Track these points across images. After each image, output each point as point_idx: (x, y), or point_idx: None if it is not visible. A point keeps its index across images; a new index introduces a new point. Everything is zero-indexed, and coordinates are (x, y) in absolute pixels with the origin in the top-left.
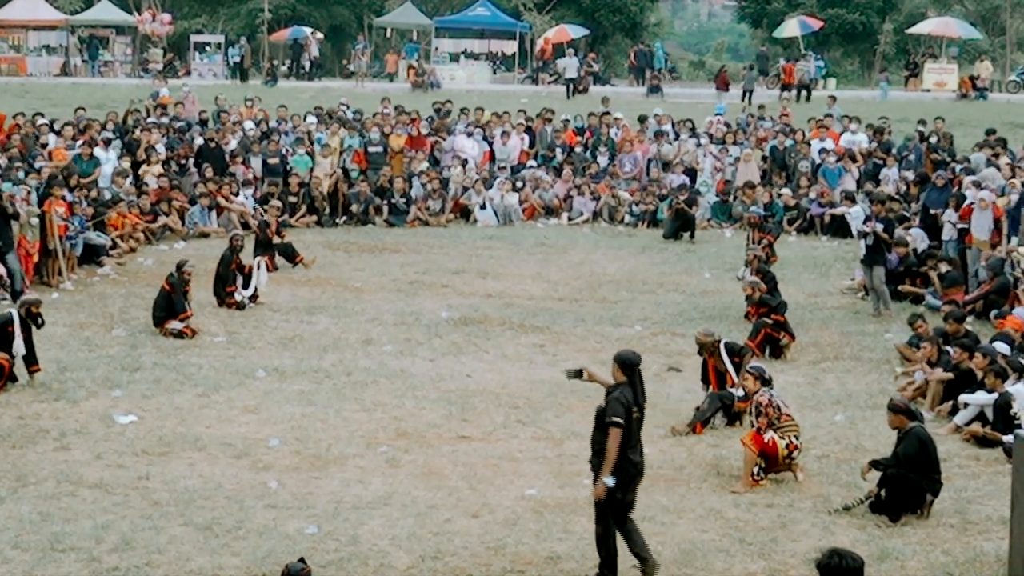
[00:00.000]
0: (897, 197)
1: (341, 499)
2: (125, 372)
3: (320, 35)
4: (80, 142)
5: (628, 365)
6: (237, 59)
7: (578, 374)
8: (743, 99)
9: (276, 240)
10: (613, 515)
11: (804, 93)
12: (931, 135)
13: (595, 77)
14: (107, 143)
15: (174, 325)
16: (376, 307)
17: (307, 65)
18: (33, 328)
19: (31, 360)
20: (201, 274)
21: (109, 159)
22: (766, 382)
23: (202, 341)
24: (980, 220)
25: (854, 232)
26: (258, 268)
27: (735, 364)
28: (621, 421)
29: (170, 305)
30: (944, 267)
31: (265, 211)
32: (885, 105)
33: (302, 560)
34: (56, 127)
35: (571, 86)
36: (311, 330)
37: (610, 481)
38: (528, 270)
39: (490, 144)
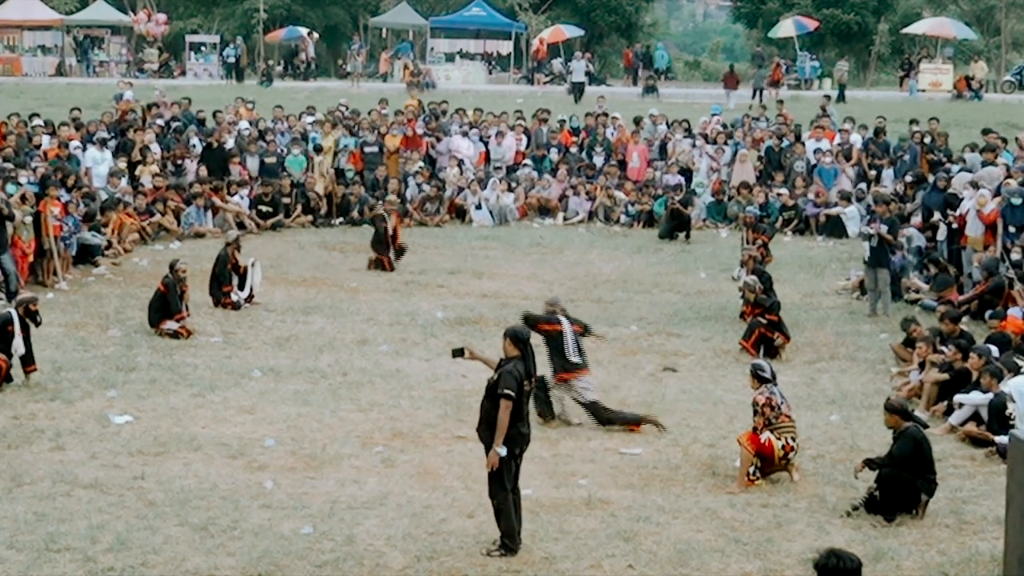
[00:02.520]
0: (893, 197)
1: (337, 499)
2: (120, 372)
3: (316, 35)
4: (57, 143)
5: (520, 339)
6: (233, 59)
7: (460, 353)
8: (753, 97)
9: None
10: (505, 483)
11: (840, 92)
12: (927, 135)
13: (591, 77)
14: (102, 143)
15: (170, 325)
16: (371, 307)
17: (302, 66)
18: (32, 328)
19: (28, 360)
20: (197, 274)
21: (104, 159)
22: (765, 380)
23: (198, 341)
24: (975, 220)
25: (849, 232)
26: (252, 267)
27: (577, 333)
28: (513, 394)
29: (165, 306)
30: (933, 268)
31: (381, 207)
32: (880, 106)
33: None
34: (49, 127)
35: (578, 89)
36: (307, 330)
37: (503, 451)
38: (524, 270)
39: (486, 144)
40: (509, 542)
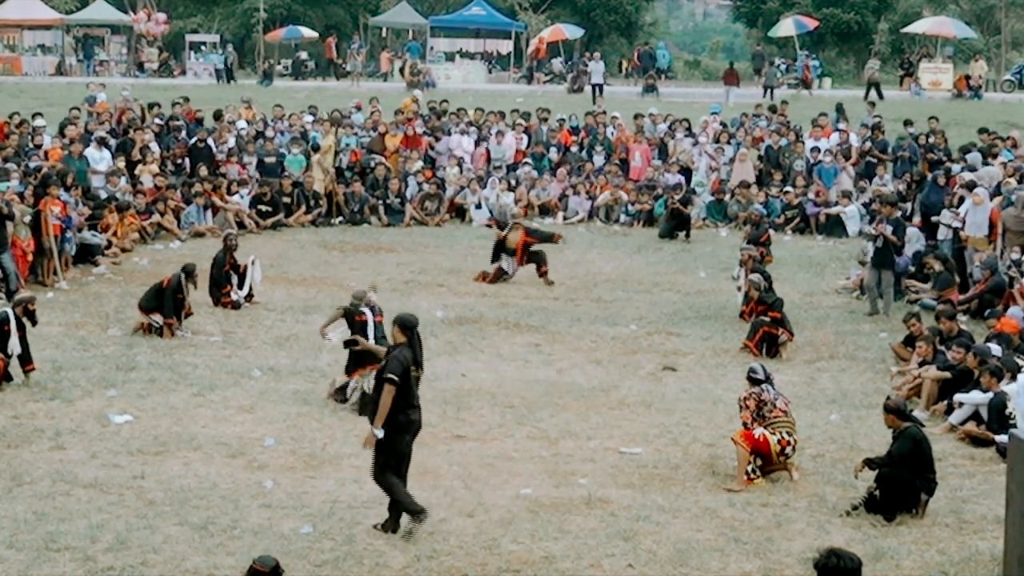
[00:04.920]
0: (897, 198)
1: (336, 498)
2: (120, 372)
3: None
4: (60, 143)
5: (408, 327)
6: (221, 66)
7: (353, 343)
8: (765, 95)
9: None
10: (388, 467)
11: (874, 90)
12: (929, 134)
13: (590, 77)
14: (101, 142)
15: (156, 318)
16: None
17: (306, 67)
18: (28, 327)
19: (26, 359)
20: (197, 273)
21: (103, 158)
22: (757, 382)
23: (197, 341)
24: (974, 219)
25: (849, 231)
26: (252, 265)
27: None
28: (396, 379)
29: (162, 303)
30: (938, 266)
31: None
32: (881, 104)
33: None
34: (49, 126)
35: (597, 91)
36: (306, 330)
37: (380, 433)
38: (523, 269)
39: (487, 143)
40: (416, 511)
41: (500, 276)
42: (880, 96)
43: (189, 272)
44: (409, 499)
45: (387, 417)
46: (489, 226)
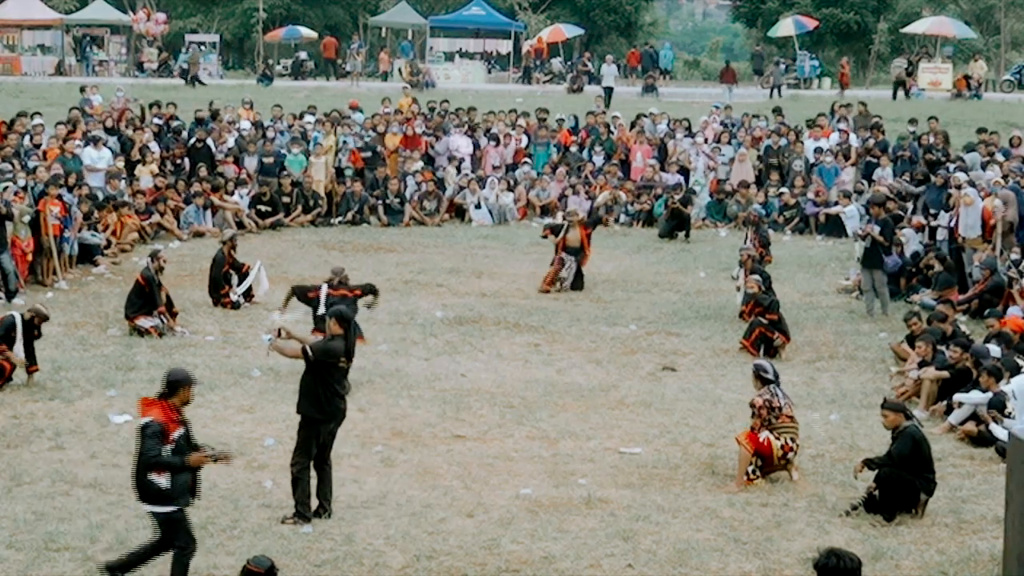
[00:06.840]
0: (892, 196)
1: (336, 498)
2: (120, 371)
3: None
4: (61, 139)
5: (345, 321)
6: (185, 66)
7: (277, 334)
8: (771, 94)
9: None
10: (309, 453)
11: (900, 89)
12: (929, 135)
13: (590, 77)
14: (97, 142)
15: (142, 322)
16: None
17: (302, 69)
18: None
19: (30, 360)
20: (196, 273)
21: (102, 158)
22: (768, 381)
23: (197, 340)
24: (967, 219)
25: (849, 231)
26: (258, 272)
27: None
28: (312, 357)
29: (144, 298)
30: (938, 266)
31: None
32: (880, 105)
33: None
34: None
35: (608, 94)
36: (306, 330)
37: (277, 316)
38: (523, 269)
39: (489, 142)
40: (302, 510)
41: (556, 279)
42: (894, 96)
43: (153, 255)
44: (305, 501)
45: (312, 404)
46: (545, 236)
